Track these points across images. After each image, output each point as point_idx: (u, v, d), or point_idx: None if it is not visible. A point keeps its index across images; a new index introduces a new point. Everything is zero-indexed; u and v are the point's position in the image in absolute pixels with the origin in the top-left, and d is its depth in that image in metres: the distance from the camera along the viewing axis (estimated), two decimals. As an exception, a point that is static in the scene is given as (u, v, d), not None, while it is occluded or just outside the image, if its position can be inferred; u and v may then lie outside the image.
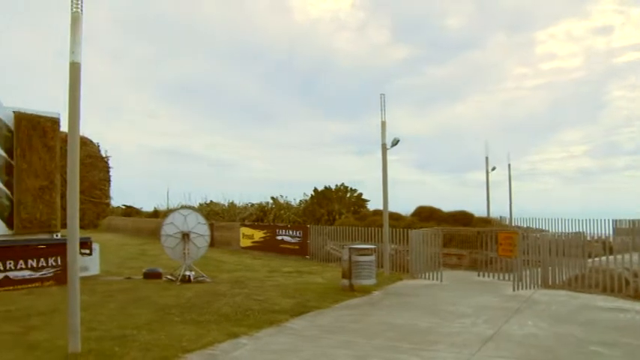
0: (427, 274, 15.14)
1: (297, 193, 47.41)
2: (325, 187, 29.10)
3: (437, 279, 14.70)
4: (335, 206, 27.45)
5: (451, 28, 72.07)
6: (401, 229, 16.83)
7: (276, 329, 8.83)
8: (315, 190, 29.26)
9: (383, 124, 16.12)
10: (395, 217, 20.49)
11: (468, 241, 18.06)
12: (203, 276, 14.42)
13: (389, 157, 16.43)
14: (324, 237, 20.33)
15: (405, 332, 8.66)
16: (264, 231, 23.52)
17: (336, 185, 29.16)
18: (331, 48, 75.21)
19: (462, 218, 21.56)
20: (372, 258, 12.91)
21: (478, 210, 22.42)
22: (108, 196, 14.16)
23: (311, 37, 75.06)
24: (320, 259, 20.13)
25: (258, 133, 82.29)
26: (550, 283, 13.38)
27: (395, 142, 16.19)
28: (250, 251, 23.47)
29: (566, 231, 21.78)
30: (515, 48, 79.51)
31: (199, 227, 14.95)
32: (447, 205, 23.12)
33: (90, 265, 14.69)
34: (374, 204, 27.59)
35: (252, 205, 33.24)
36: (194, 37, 74.72)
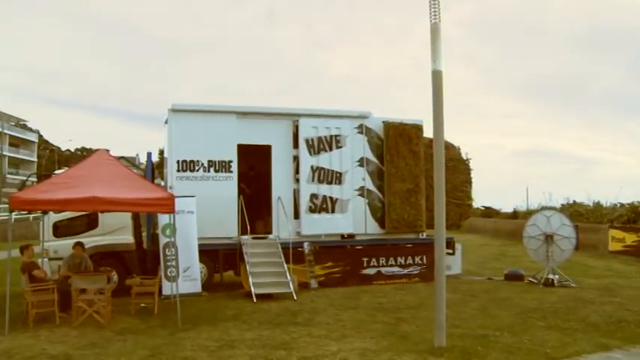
0: None
1: (678, 192, 40.07)
2: None
3: None
4: None
5: None
6: None
7: (656, 346, 7.47)
8: None
9: None
10: None
11: None
12: (567, 280, 13.29)
13: None
14: None
15: None
16: (638, 234, 20.45)
17: None
18: None
19: None
20: None
21: None
22: (470, 198, 14.34)
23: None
24: None
25: (624, 126, 72.20)
26: None
27: None
28: (620, 256, 20.66)
29: None
30: None
31: (563, 229, 13.84)
32: None
33: (452, 264, 14.84)
34: None
35: (622, 205, 29.46)
36: (543, 32, 70.37)
